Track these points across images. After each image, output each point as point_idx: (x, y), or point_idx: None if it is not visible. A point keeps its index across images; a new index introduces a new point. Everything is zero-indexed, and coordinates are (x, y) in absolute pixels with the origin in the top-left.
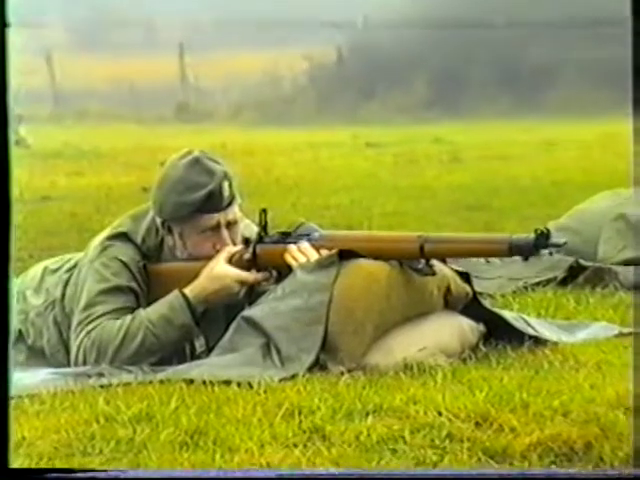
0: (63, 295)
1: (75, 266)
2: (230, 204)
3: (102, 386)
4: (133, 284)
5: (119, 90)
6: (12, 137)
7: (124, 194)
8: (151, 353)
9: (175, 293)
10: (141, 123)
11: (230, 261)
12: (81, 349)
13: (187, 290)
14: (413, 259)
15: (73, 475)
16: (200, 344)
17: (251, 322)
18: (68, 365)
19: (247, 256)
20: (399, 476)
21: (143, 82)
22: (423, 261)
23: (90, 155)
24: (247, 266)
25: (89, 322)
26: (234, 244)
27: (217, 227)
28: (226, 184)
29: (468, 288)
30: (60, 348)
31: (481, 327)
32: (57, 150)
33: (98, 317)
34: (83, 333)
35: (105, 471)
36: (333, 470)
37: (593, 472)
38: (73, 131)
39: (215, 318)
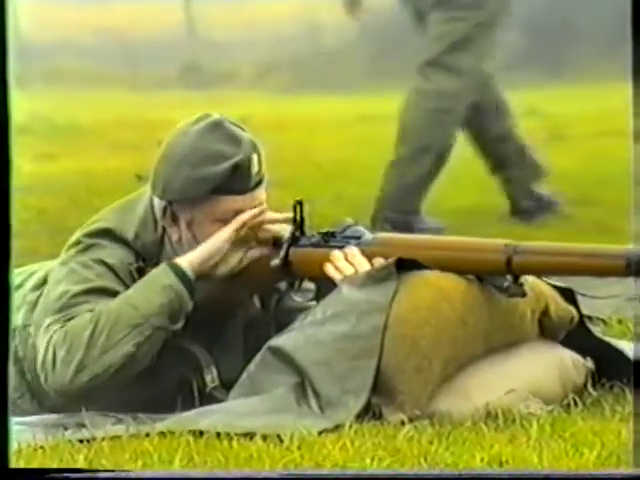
0: (27, 321)
1: (45, 282)
2: (258, 185)
3: (82, 440)
4: (123, 290)
5: (106, 44)
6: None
7: (111, 183)
8: (134, 329)
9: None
10: (135, 89)
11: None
12: (51, 345)
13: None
14: (497, 274)
15: (74, 475)
16: (211, 378)
17: (280, 354)
18: (35, 414)
19: (276, 262)
20: (400, 476)
21: (138, 34)
22: (509, 277)
23: (66, 131)
24: (275, 275)
25: (65, 320)
26: None
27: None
28: (255, 157)
29: (573, 310)
30: (24, 392)
31: (589, 363)
32: (21, 124)
33: (77, 315)
34: (57, 326)
35: (107, 471)
36: (335, 471)
37: (593, 472)
38: (43, 99)
39: (230, 344)
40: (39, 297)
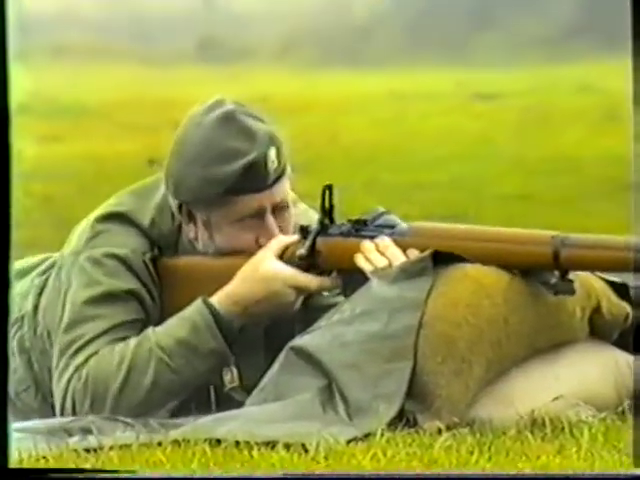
0: (36, 307)
1: (54, 265)
2: (279, 179)
3: (88, 450)
4: (137, 286)
5: (115, 16)
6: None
7: (122, 168)
8: (172, 396)
9: (197, 305)
10: (147, 65)
11: (282, 257)
12: (69, 395)
13: (215, 299)
14: (543, 269)
15: (74, 475)
16: (230, 378)
17: (305, 356)
18: (38, 409)
19: (302, 252)
20: (399, 476)
21: (150, 4)
22: (557, 273)
23: (72, 111)
24: (301, 266)
25: (76, 350)
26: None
27: (260, 213)
28: (273, 152)
29: (627, 307)
30: (29, 385)
31: None
32: (23, 104)
33: (90, 341)
34: (71, 369)
35: (108, 471)
36: (338, 472)
37: (593, 472)
38: (47, 76)
39: (250, 343)
40: (47, 280)
